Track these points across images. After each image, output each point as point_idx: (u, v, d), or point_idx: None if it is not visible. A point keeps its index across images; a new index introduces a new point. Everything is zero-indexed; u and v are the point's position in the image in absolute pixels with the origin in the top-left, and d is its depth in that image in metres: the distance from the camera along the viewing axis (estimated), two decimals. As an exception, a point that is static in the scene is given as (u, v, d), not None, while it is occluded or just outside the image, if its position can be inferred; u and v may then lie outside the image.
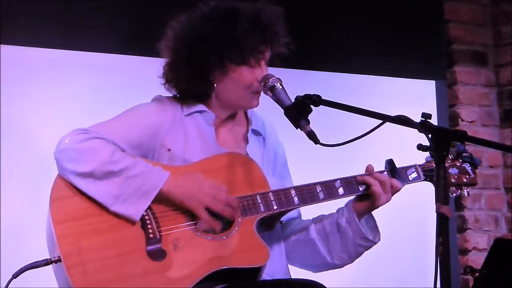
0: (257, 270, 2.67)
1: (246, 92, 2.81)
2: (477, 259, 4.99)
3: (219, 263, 2.63)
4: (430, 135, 2.34)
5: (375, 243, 2.88)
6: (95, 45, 4.12)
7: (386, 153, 4.15)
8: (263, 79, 2.78)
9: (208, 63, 2.78)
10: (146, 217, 2.65)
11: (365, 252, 2.91)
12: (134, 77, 4.12)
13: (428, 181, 2.91)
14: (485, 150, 5.13)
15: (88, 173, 2.62)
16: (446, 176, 2.32)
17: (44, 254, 2.66)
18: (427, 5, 5.09)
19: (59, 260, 2.57)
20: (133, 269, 2.59)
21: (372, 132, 2.64)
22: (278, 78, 2.78)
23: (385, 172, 2.88)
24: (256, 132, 2.95)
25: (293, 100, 2.69)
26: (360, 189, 2.84)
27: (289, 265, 2.92)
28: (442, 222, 2.25)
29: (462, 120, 5.18)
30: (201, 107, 2.85)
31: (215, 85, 2.82)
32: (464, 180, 2.96)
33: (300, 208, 2.96)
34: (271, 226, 2.84)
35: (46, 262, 2.62)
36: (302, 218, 3.03)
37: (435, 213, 2.25)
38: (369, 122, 2.60)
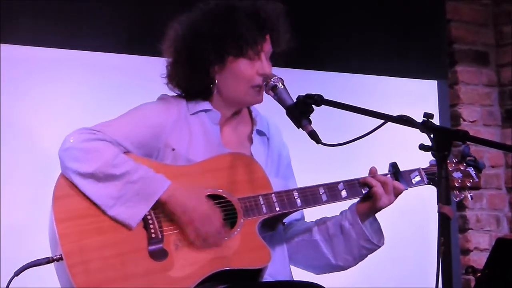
0: (259, 271, 2.67)
1: (247, 86, 2.80)
2: (478, 259, 4.99)
3: (220, 264, 2.63)
4: (432, 135, 2.34)
5: (379, 246, 2.87)
6: (96, 45, 4.12)
7: (387, 153, 4.15)
8: (265, 78, 2.78)
9: (207, 59, 2.79)
10: (149, 217, 2.64)
11: (367, 253, 2.91)
12: (135, 76, 4.12)
13: (431, 184, 2.90)
14: (487, 150, 5.14)
15: (89, 174, 2.61)
16: (448, 176, 2.32)
17: (44, 253, 2.66)
18: (428, 5, 5.09)
19: (61, 259, 2.57)
20: (135, 268, 2.58)
21: (374, 132, 2.64)
22: (280, 78, 2.78)
23: (389, 175, 2.87)
24: (260, 133, 2.94)
25: (295, 100, 2.69)
26: (363, 192, 2.84)
27: (291, 267, 2.91)
28: (444, 222, 2.24)
29: (464, 120, 5.17)
30: (206, 105, 2.84)
31: (216, 81, 2.82)
32: (468, 184, 2.95)
33: (304, 210, 2.96)
34: (273, 227, 2.84)
35: (48, 260, 2.62)
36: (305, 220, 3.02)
37: (437, 213, 2.25)
38: (371, 122, 2.60)
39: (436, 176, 2.31)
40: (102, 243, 2.59)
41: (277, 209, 2.75)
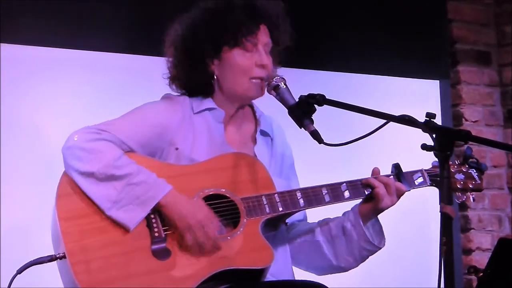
0: (261, 271, 2.67)
1: (246, 78, 2.80)
2: (480, 259, 4.99)
3: (223, 264, 2.63)
4: (434, 135, 2.34)
5: (380, 248, 2.87)
6: (98, 45, 4.12)
7: (389, 153, 4.15)
8: (267, 78, 2.79)
9: (205, 54, 2.81)
10: (152, 216, 2.64)
11: (369, 254, 2.91)
12: (137, 76, 4.11)
13: (434, 186, 2.90)
14: (489, 150, 5.13)
15: (90, 173, 2.61)
16: (450, 176, 2.32)
17: (46, 252, 2.66)
18: (430, 5, 5.08)
19: (64, 257, 2.57)
20: (138, 267, 2.58)
21: (376, 132, 2.64)
22: (282, 78, 2.78)
23: (391, 176, 2.87)
24: (264, 133, 2.94)
25: (297, 100, 2.69)
26: (366, 192, 2.84)
27: (293, 268, 2.91)
28: (446, 222, 2.24)
29: (466, 120, 5.17)
30: (209, 102, 2.85)
31: (215, 75, 2.83)
32: (470, 186, 2.96)
33: (306, 211, 2.96)
34: (276, 227, 2.84)
35: (50, 258, 2.63)
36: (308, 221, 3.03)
37: (439, 213, 2.25)
38: (373, 122, 2.60)
39: (439, 177, 2.31)
40: (105, 241, 2.59)
41: (280, 209, 2.75)
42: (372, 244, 2.85)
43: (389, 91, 4.90)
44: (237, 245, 2.67)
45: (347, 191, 2.83)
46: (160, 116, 2.79)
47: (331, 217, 2.93)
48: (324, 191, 2.81)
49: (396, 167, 2.89)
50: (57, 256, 2.60)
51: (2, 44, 3.91)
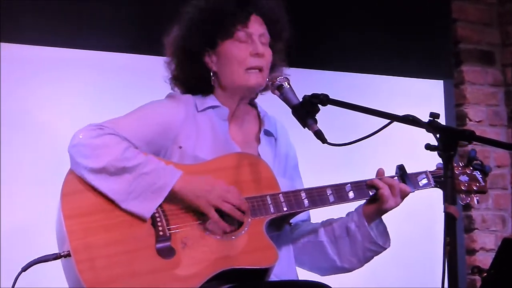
0: (265, 271, 2.67)
1: (242, 69, 2.80)
2: (484, 259, 4.98)
3: (227, 263, 2.63)
4: (438, 135, 2.34)
5: (385, 248, 2.88)
6: (102, 44, 4.13)
7: (393, 153, 4.15)
8: (271, 78, 2.79)
9: (200, 49, 2.83)
10: (156, 215, 2.65)
11: (372, 254, 2.91)
12: (140, 76, 4.12)
13: (438, 187, 2.90)
14: (493, 149, 5.13)
15: (100, 169, 2.61)
16: (454, 176, 2.32)
17: (50, 251, 2.66)
18: (434, 4, 5.08)
19: (68, 255, 2.58)
20: (142, 266, 2.59)
21: (380, 132, 2.64)
22: (286, 77, 2.78)
23: (396, 177, 2.87)
24: (268, 133, 2.94)
25: (300, 100, 2.69)
26: (370, 193, 2.84)
27: (297, 268, 2.91)
28: (450, 222, 2.24)
29: (470, 120, 5.17)
30: (212, 99, 2.85)
31: (214, 71, 2.84)
32: (474, 188, 2.96)
33: (310, 211, 2.96)
34: (279, 228, 2.84)
35: (55, 256, 2.63)
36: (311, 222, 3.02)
37: (443, 213, 2.25)
38: (377, 121, 2.60)
39: (443, 177, 2.31)
40: (110, 240, 2.59)
41: (285, 209, 2.75)
42: (376, 244, 2.85)
43: (392, 91, 4.90)
44: (241, 245, 2.67)
45: (352, 191, 2.83)
46: (164, 114, 2.80)
47: (335, 218, 2.93)
48: (329, 192, 2.81)
49: (401, 169, 2.90)
50: (62, 254, 2.60)
51: (4, 43, 3.92)
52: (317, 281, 2.74)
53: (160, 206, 2.65)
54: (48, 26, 4.03)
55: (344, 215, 2.92)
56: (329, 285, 2.69)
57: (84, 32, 4.10)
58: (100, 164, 2.61)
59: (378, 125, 2.62)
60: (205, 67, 2.85)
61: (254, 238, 2.68)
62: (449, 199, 2.26)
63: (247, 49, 2.81)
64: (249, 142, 2.90)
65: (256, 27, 2.83)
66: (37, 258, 2.67)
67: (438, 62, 5.14)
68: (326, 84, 4.43)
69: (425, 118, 2.43)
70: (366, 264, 2.93)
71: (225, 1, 2.82)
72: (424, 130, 2.40)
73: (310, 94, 2.67)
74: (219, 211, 2.66)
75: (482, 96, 5.25)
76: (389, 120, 2.60)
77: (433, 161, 2.92)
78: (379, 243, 2.86)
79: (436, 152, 2.34)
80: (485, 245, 5.09)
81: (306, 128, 2.66)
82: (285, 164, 2.95)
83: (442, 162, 2.32)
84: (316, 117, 2.66)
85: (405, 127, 2.54)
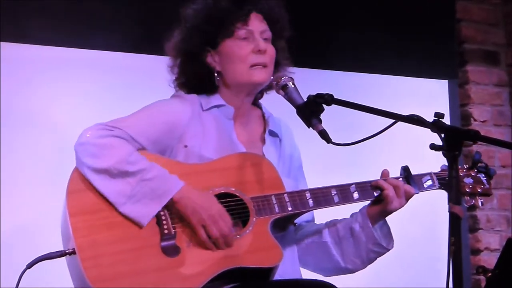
0: (270, 270, 2.67)
1: (245, 66, 2.81)
2: (489, 259, 4.98)
3: (232, 262, 2.64)
4: (442, 135, 2.34)
5: (388, 250, 2.88)
6: (106, 44, 4.13)
7: (397, 152, 4.15)
8: (275, 77, 2.79)
9: (202, 49, 2.83)
10: (162, 213, 2.65)
11: (376, 254, 2.91)
12: (145, 75, 4.12)
13: (442, 189, 2.91)
14: (497, 149, 5.13)
15: (103, 170, 2.62)
16: (459, 176, 2.32)
17: (49, 250, 2.67)
18: (438, 4, 5.08)
19: (73, 252, 2.58)
20: (147, 264, 2.59)
21: (384, 132, 2.64)
22: (290, 77, 2.78)
23: (400, 179, 2.88)
24: (272, 133, 2.95)
25: (305, 99, 2.69)
26: (375, 194, 2.84)
27: (301, 269, 2.91)
28: (454, 222, 2.24)
29: (474, 120, 5.16)
30: (217, 99, 2.86)
31: (217, 70, 2.85)
32: (479, 190, 2.96)
33: (314, 212, 2.96)
34: (284, 228, 2.84)
35: (60, 254, 2.64)
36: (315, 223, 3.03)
37: (447, 214, 2.25)
38: (382, 121, 2.60)
39: (448, 177, 2.31)
40: (115, 238, 2.60)
41: (289, 209, 2.75)
42: (380, 246, 2.85)
43: (397, 91, 4.90)
44: (246, 244, 2.67)
45: (356, 192, 2.83)
46: (170, 113, 2.80)
47: (338, 219, 2.93)
48: (333, 192, 2.81)
49: (405, 170, 2.90)
50: (67, 251, 2.61)
51: (7, 43, 3.93)
52: (322, 280, 2.74)
53: (164, 206, 2.65)
54: (51, 26, 4.03)
55: (348, 216, 2.92)
56: (334, 284, 2.69)
57: (87, 32, 4.10)
58: (103, 165, 2.62)
59: (382, 125, 2.62)
60: (208, 67, 2.85)
61: (259, 238, 2.68)
62: (453, 199, 2.26)
63: (249, 46, 2.81)
64: (254, 142, 2.90)
65: (257, 24, 2.84)
66: (42, 255, 2.67)
67: (443, 62, 5.14)
68: (331, 84, 4.43)
69: (430, 118, 2.43)
70: (371, 265, 2.93)
71: (223, 1, 2.83)
72: (429, 130, 2.40)
73: (314, 93, 2.67)
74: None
75: (487, 96, 5.25)
76: (393, 120, 2.60)
77: (437, 162, 2.92)
78: (382, 245, 2.86)
79: (440, 153, 2.34)
80: (489, 245, 5.08)
81: (310, 128, 2.66)
82: (289, 165, 2.95)
83: (446, 164, 2.32)
84: (320, 117, 2.66)
85: (410, 127, 2.54)
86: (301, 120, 2.68)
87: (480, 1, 5.30)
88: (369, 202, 2.87)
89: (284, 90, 2.75)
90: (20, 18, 3.96)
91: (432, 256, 4.60)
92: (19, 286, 2.64)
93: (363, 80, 4.84)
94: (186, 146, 2.77)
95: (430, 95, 5.01)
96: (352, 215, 2.90)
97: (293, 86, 2.75)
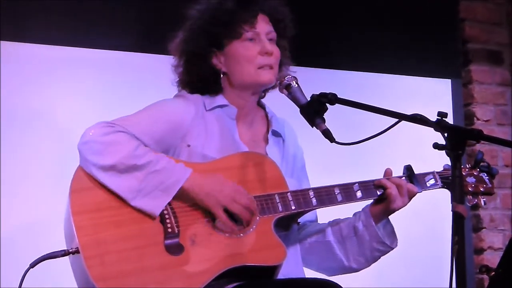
0: (274, 269, 2.67)
1: (252, 68, 2.82)
2: (492, 258, 4.98)
3: (235, 261, 2.64)
4: (446, 134, 2.34)
5: (392, 248, 2.89)
6: (110, 43, 4.13)
7: (401, 152, 4.14)
8: (279, 77, 2.80)
9: (207, 50, 2.84)
10: (165, 212, 2.65)
11: (380, 253, 2.91)
12: (149, 75, 4.12)
13: (445, 188, 2.91)
14: (501, 149, 5.12)
15: (110, 166, 2.62)
16: (462, 175, 2.32)
17: (57, 249, 2.67)
18: (442, 4, 5.07)
19: (77, 251, 2.58)
20: (151, 262, 2.59)
21: (388, 131, 2.64)
22: (294, 77, 2.79)
23: (403, 178, 2.88)
24: (276, 133, 2.95)
25: (308, 99, 2.69)
26: (378, 193, 2.85)
27: (304, 268, 2.92)
28: (458, 221, 2.24)
29: (478, 119, 5.16)
30: (221, 99, 2.86)
31: (223, 71, 2.85)
32: (481, 190, 2.97)
33: (317, 211, 2.96)
34: (287, 227, 2.84)
35: (64, 253, 2.64)
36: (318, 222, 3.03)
37: (450, 213, 2.25)
38: (385, 121, 2.60)
39: (450, 177, 2.31)
40: (118, 236, 2.60)
41: (293, 207, 2.76)
42: (384, 244, 2.86)
43: (400, 90, 4.89)
44: (249, 243, 2.68)
45: (360, 191, 2.84)
46: (174, 113, 2.81)
47: (341, 218, 2.94)
48: (337, 191, 2.82)
49: (408, 169, 2.90)
50: (70, 250, 2.61)
51: (9, 42, 3.93)
52: (326, 279, 2.75)
53: (168, 203, 2.65)
54: (52, 25, 4.03)
55: (351, 216, 2.93)
56: (338, 283, 2.69)
57: (89, 31, 4.10)
58: (110, 162, 2.62)
59: (386, 124, 2.62)
60: (212, 68, 2.86)
61: (263, 236, 2.69)
62: (457, 198, 2.26)
63: (255, 48, 2.82)
64: (257, 142, 2.91)
65: (263, 25, 2.85)
66: (45, 254, 2.67)
67: (446, 62, 5.13)
68: (334, 83, 4.42)
69: (433, 117, 2.43)
70: (374, 264, 2.94)
71: (229, 2, 2.83)
72: (432, 129, 2.41)
73: (318, 93, 2.67)
74: (227, 210, 2.66)
75: (490, 96, 5.24)
76: (397, 119, 2.60)
77: (440, 161, 2.92)
78: (386, 243, 2.86)
79: (443, 152, 2.34)
80: (493, 244, 5.08)
81: (314, 127, 2.67)
82: (292, 165, 2.95)
83: (449, 163, 2.32)
84: (324, 116, 2.67)
85: (413, 126, 2.54)
86: (304, 120, 2.69)
87: (484, 0, 5.29)
88: (372, 201, 2.88)
89: (287, 89, 2.76)
90: (20, 17, 3.96)
91: (435, 255, 4.59)
92: (22, 286, 2.64)
93: (367, 79, 4.84)
94: (189, 146, 2.78)
95: (434, 95, 5.01)
96: (355, 214, 2.91)
97: (296, 85, 2.76)
